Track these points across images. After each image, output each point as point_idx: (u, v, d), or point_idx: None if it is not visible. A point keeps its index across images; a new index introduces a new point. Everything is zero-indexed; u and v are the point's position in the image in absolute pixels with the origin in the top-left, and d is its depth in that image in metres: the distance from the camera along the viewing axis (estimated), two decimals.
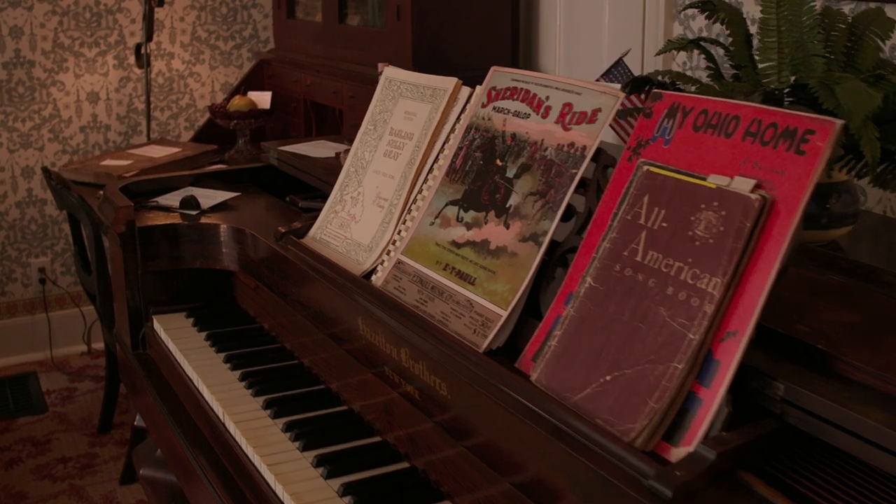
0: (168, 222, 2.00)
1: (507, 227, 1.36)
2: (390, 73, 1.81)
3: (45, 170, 3.32)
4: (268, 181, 2.35)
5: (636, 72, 2.64)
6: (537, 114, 1.40)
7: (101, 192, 2.18)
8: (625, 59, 2.37)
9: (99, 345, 4.24)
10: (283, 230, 1.81)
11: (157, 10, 3.95)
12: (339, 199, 1.79)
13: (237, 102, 3.72)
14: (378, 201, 1.69)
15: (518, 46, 3.23)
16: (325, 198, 2.15)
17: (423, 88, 1.70)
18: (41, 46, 4.02)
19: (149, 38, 3.93)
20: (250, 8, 4.36)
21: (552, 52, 3.15)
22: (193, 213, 2.06)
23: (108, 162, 3.48)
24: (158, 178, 2.27)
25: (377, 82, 3.05)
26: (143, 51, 3.98)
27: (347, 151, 2.07)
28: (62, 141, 4.13)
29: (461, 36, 3.06)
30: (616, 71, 2.39)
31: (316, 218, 1.84)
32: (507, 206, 1.37)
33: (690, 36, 2.66)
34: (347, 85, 3.28)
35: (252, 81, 4.00)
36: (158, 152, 3.64)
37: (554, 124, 1.37)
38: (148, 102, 3.99)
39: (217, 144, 3.72)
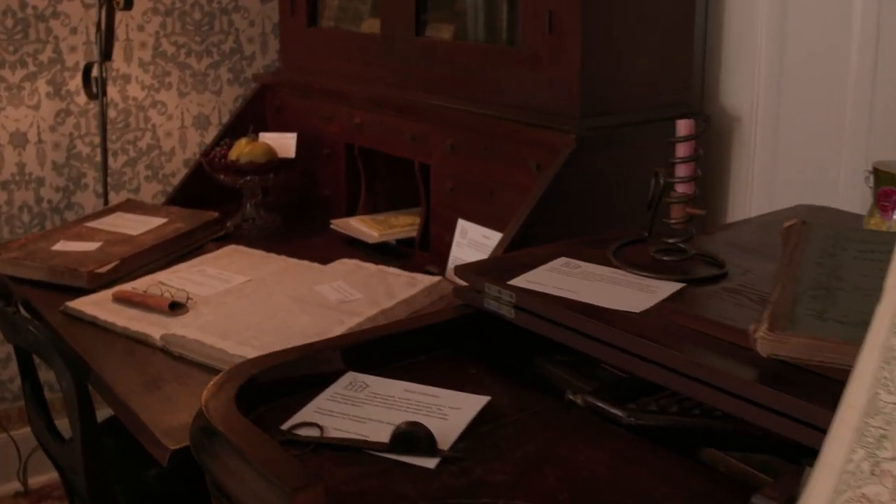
0: None
1: None
2: None
3: None
4: (451, 333, 1.28)
5: None
6: None
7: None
8: None
9: (37, 481, 3.02)
10: None
11: (115, 16, 2.76)
12: (869, 471, 0.76)
13: (248, 150, 2.59)
14: None
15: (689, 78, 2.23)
16: (616, 388, 1.11)
17: None
18: None
19: (107, 55, 2.74)
20: (231, 13, 3.21)
21: (747, 91, 2.13)
22: (432, 464, 0.96)
23: (62, 245, 2.31)
24: (285, 361, 1.16)
25: (525, 131, 1.96)
26: (94, 73, 2.80)
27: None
28: None
29: (636, 61, 2.04)
30: None
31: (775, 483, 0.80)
32: None
33: None
34: (439, 129, 2.21)
35: (249, 115, 2.86)
36: (134, 226, 2.48)
37: None
38: (104, 149, 2.81)
39: (208, 207, 2.59)
